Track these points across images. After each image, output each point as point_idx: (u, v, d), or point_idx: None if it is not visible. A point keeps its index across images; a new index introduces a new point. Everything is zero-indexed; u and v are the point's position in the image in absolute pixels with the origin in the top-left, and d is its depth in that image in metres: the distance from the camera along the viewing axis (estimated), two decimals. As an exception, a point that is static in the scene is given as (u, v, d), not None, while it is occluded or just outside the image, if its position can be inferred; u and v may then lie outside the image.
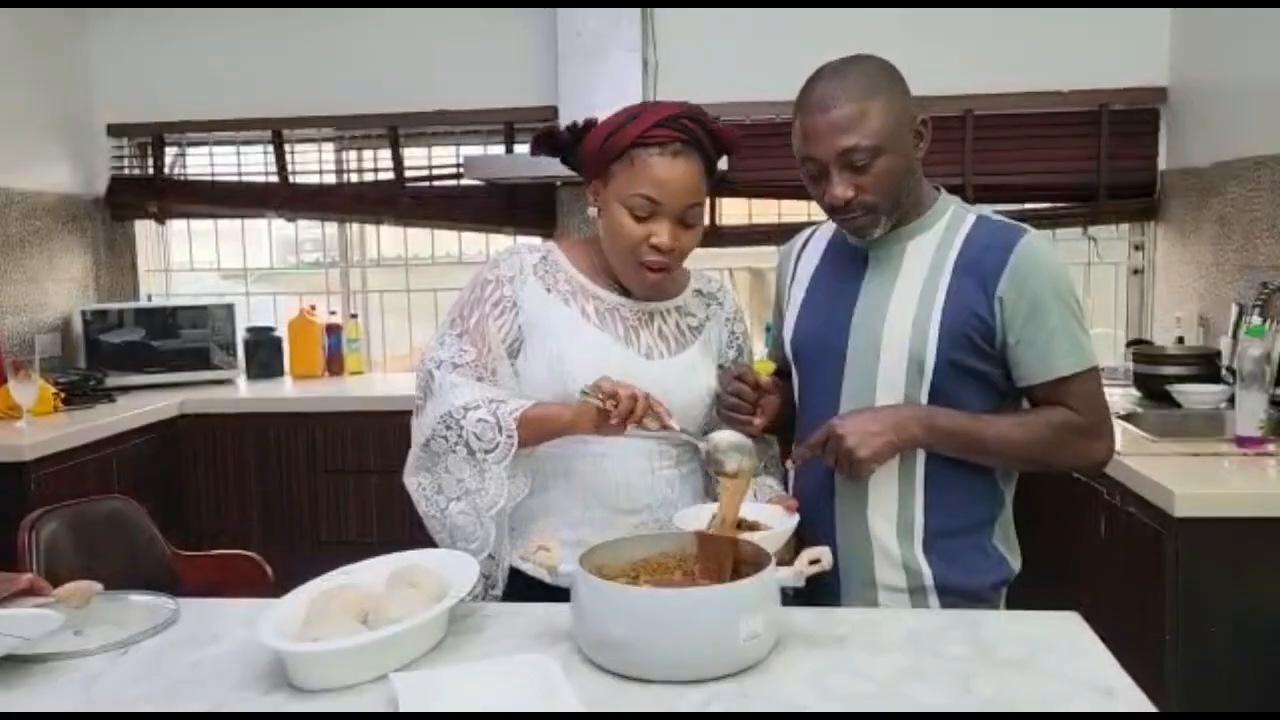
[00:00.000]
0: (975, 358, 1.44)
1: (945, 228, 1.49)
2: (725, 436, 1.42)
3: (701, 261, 1.54)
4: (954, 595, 1.47)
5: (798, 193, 3.65)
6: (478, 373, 1.53)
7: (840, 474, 1.44)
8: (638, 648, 1.16)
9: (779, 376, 1.68)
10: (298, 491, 3.49)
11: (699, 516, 1.45)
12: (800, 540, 1.45)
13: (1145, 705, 1.09)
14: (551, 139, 1.58)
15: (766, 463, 1.67)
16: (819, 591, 1.40)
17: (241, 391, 3.72)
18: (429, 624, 1.23)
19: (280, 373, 3.94)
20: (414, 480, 1.57)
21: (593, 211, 1.59)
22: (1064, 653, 1.23)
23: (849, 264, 1.54)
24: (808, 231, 1.68)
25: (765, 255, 3.87)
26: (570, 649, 1.24)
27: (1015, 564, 1.53)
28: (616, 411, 1.37)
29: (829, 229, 1.62)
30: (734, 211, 3.90)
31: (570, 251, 1.63)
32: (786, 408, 1.60)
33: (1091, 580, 2.41)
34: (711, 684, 1.14)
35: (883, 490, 1.48)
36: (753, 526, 1.42)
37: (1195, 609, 2.00)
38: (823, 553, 1.26)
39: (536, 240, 1.71)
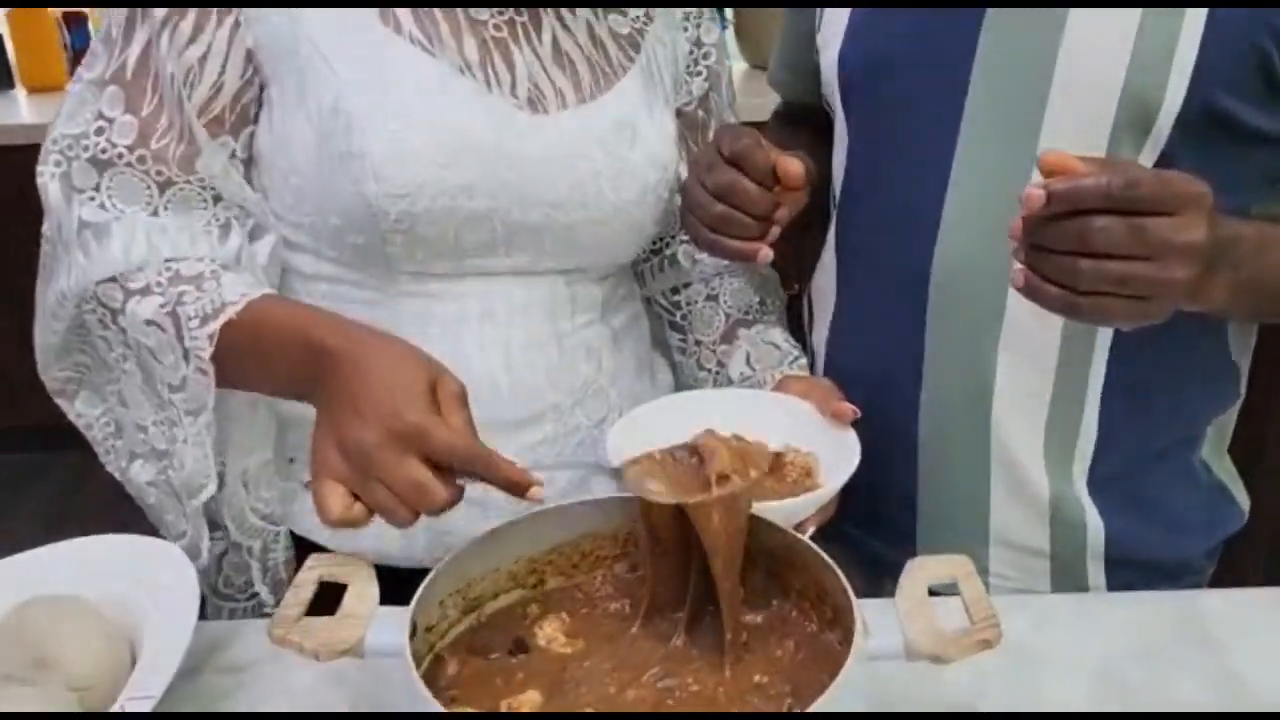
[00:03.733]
0: (1252, 103, 0.70)
1: None
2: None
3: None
4: (1135, 569, 0.83)
5: None
6: (154, 171, 0.73)
7: (1042, 294, 0.60)
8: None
9: (789, 126, 0.96)
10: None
11: (656, 428, 0.73)
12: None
13: None
14: None
15: (766, 299, 0.95)
16: (858, 542, 0.84)
17: (-52, 113, 2.70)
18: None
19: (8, 85, 2.94)
20: (71, 406, 0.83)
21: None
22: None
23: None
24: None
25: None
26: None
27: (1244, 501, 0.89)
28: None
29: None
30: None
31: None
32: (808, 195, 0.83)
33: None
34: None
35: (1024, 378, 0.78)
36: (775, 464, 0.72)
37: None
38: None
39: None
